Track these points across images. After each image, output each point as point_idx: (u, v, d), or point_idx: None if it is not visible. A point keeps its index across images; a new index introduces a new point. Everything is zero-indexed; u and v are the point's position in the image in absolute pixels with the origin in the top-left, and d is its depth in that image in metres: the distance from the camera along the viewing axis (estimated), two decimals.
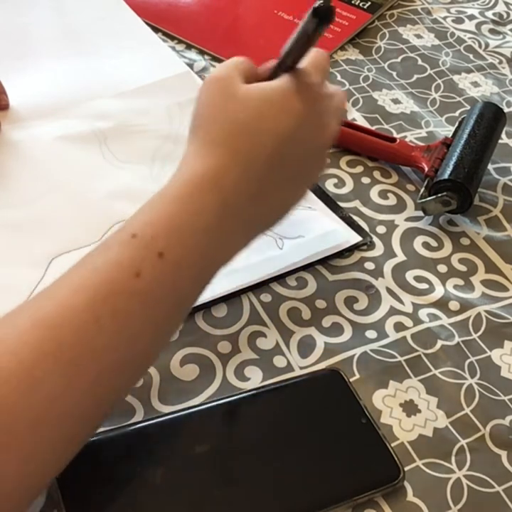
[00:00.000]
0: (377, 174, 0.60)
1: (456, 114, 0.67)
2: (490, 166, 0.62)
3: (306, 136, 0.41)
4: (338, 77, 0.69)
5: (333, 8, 0.36)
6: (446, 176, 0.55)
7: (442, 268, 0.53)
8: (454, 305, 0.51)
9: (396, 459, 0.41)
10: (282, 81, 0.41)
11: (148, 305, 0.35)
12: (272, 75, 0.42)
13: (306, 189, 0.45)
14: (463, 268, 0.54)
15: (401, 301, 0.51)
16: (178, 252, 0.36)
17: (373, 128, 0.64)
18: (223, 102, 0.40)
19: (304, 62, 0.42)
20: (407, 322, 0.49)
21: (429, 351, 0.48)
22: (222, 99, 0.40)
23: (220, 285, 0.49)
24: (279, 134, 0.39)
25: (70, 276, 0.35)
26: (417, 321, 0.50)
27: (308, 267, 0.52)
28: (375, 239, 0.55)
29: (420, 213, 0.57)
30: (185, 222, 0.37)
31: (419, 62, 0.73)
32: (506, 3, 0.84)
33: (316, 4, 0.36)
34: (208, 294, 0.48)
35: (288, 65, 0.41)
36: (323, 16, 0.37)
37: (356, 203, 0.57)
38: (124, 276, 0.34)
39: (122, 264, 0.35)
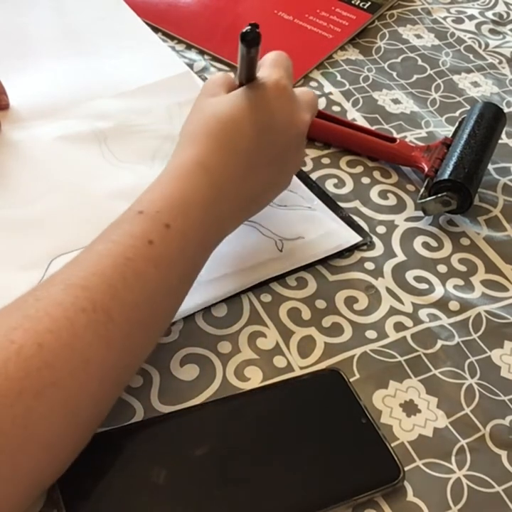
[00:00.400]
0: (377, 174, 0.60)
1: (456, 114, 0.67)
2: (490, 166, 0.62)
3: (280, 124, 0.46)
4: (338, 77, 0.69)
5: (257, 33, 0.42)
6: (446, 176, 0.55)
7: (442, 268, 0.53)
8: (454, 305, 0.51)
9: (396, 459, 0.41)
10: (249, 85, 0.46)
11: (162, 268, 0.39)
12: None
13: (288, 175, 0.50)
14: (463, 268, 0.54)
15: (401, 301, 0.51)
16: (182, 222, 0.41)
17: (373, 128, 0.64)
18: (204, 105, 0.47)
19: (265, 65, 0.48)
20: (407, 322, 0.49)
21: (429, 351, 0.48)
22: (204, 104, 0.47)
23: (220, 286, 0.49)
24: (255, 122, 0.45)
25: (91, 249, 0.39)
26: (417, 321, 0.50)
27: (308, 267, 0.52)
28: (375, 239, 0.55)
29: (420, 213, 0.57)
30: (185, 198, 0.42)
31: (419, 62, 0.73)
32: (506, 3, 0.84)
33: (243, 30, 0.42)
34: (208, 295, 0.48)
35: (244, 82, 0.46)
36: (249, 41, 0.42)
37: (356, 203, 0.57)
38: (139, 244, 0.39)
39: (135, 235, 0.39)
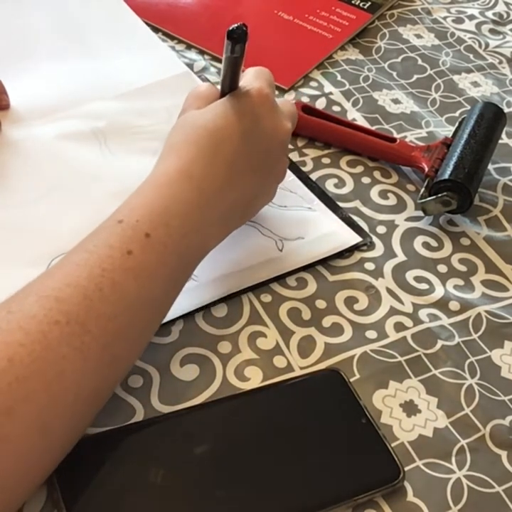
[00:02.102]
0: (377, 174, 0.60)
1: (456, 114, 0.67)
2: (490, 166, 0.62)
3: (264, 131, 0.46)
4: (338, 77, 0.69)
5: (244, 30, 0.42)
6: (446, 176, 0.55)
7: (442, 268, 0.53)
8: (454, 305, 0.51)
9: (396, 459, 0.41)
10: (231, 94, 0.46)
11: (142, 279, 0.38)
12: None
13: (272, 185, 0.50)
14: (463, 268, 0.54)
15: (401, 301, 0.51)
16: (162, 232, 0.40)
17: (373, 128, 0.64)
18: (187, 117, 0.46)
19: (247, 76, 0.48)
20: (407, 322, 0.49)
21: (429, 351, 0.48)
22: (187, 116, 0.47)
23: (220, 286, 0.49)
24: (239, 129, 0.45)
25: (67, 258, 0.38)
26: (417, 321, 0.50)
27: (308, 267, 0.52)
28: (375, 239, 0.55)
29: (420, 213, 0.57)
30: (166, 206, 0.41)
31: (419, 62, 0.73)
32: (506, 3, 0.84)
33: (230, 27, 0.42)
34: (208, 295, 0.48)
35: (227, 90, 0.47)
36: (235, 38, 0.42)
37: (356, 203, 0.57)
38: (117, 254, 0.38)
39: (113, 245, 0.38)
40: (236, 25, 0.42)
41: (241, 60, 0.44)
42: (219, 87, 0.48)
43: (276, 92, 0.66)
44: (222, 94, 0.47)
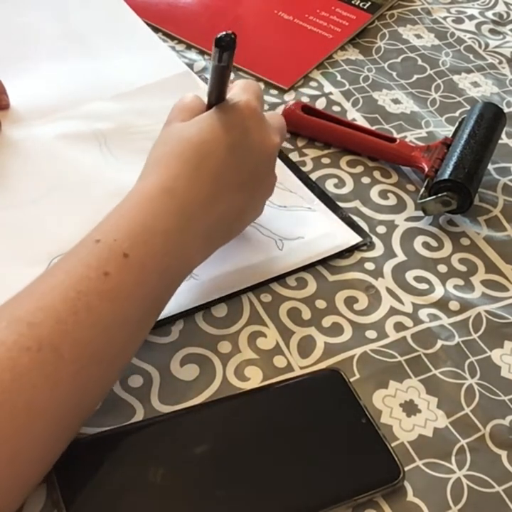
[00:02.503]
0: (377, 174, 0.60)
1: (456, 114, 0.67)
2: (490, 166, 0.62)
3: (252, 145, 0.45)
4: (338, 77, 0.69)
5: (233, 38, 0.41)
6: (446, 176, 0.55)
7: (442, 268, 0.53)
8: (454, 305, 0.51)
9: (396, 459, 0.41)
10: (218, 106, 0.45)
11: (119, 302, 0.37)
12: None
13: (259, 201, 0.49)
14: (463, 268, 0.54)
15: (401, 301, 0.51)
16: (141, 252, 0.38)
17: (373, 128, 0.64)
18: (172, 130, 0.45)
19: (234, 89, 0.47)
20: (407, 322, 0.49)
21: (429, 351, 0.48)
22: (171, 128, 0.45)
23: (220, 286, 0.49)
24: (225, 143, 0.43)
25: (42, 279, 0.37)
26: (417, 321, 0.50)
27: (308, 267, 0.52)
28: (375, 239, 0.55)
29: (420, 213, 0.57)
30: (146, 225, 0.39)
31: (419, 62, 0.73)
32: (506, 3, 0.84)
33: (218, 35, 0.41)
34: (208, 294, 0.48)
35: (214, 102, 0.45)
36: (223, 45, 0.41)
37: (356, 203, 0.57)
38: (93, 276, 0.36)
39: (90, 265, 0.37)
40: (224, 32, 0.41)
41: (229, 70, 0.43)
42: (205, 99, 0.46)
43: (274, 97, 0.66)
44: (209, 106, 0.46)
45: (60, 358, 0.34)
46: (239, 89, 0.46)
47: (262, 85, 0.67)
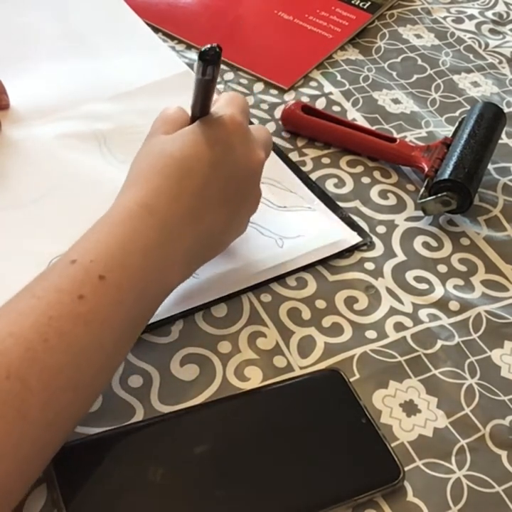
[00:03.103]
0: (377, 174, 0.60)
1: (456, 114, 0.67)
2: (490, 166, 0.62)
3: (236, 161, 0.43)
4: (338, 77, 0.69)
5: (217, 51, 0.40)
6: (446, 176, 0.55)
7: (442, 268, 0.53)
8: (454, 305, 0.51)
9: (396, 459, 0.41)
10: (202, 120, 0.44)
11: (94, 326, 0.35)
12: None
13: (244, 217, 0.47)
14: (463, 268, 0.54)
15: (401, 301, 0.51)
16: (118, 273, 0.37)
17: (373, 128, 0.64)
18: (154, 143, 0.44)
19: (219, 102, 0.46)
20: (407, 322, 0.49)
21: (429, 351, 0.48)
22: (153, 141, 0.44)
23: (220, 285, 0.49)
24: (209, 158, 0.42)
25: (12, 304, 0.36)
26: (417, 321, 0.50)
27: (308, 267, 0.52)
28: (375, 239, 0.55)
29: (420, 213, 0.57)
30: (123, 244, 0.38)
31: (419, 62, 0.73)
32: (506, 3, 0.84)
33: (203, 48, 0.40)
34: (208, 295, 0.48)
35: (198, 115, 0.44)
36: (208, 59, 0.40)
37: (356, 203, 0.57)
38: (67, 299, 0.35)
39: (63, 288, 0.35)
40: (209, 45, 0.40)
41: (213, 84, 0.42)
42: (189, 111, 0.45)
43: (274, 97, 0.66)
44: (193, 119, 0.44)
45: (28, 389, 0.32)
46: (224, 103, 0.45)
47: (262, 85, 0.67)
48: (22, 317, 0.34)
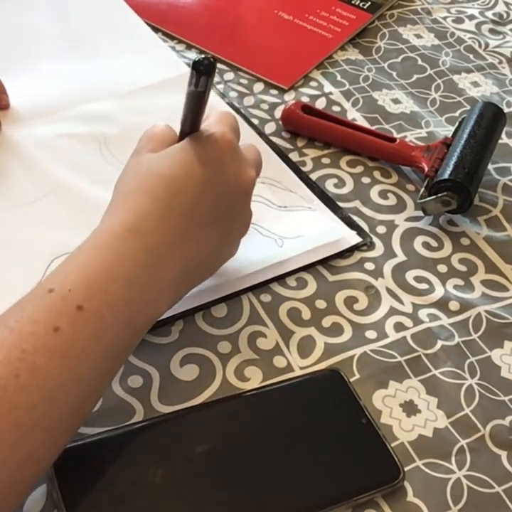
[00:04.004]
0: (377, 174, 0.60)
1: (456, 114, 0.67)
2: (490, 166, 0.62)
3: (226, 180, 0.42)
4: (338, 77, 0.69)
5: (212, 62, 0.38)
6: (446, 176, 0.55)
7: (442, 268, 0.53)
8: (454, 305, 0.51)
9: (396, 459, 0.41)
10: (191, 137, 0.42)
11: (70, 359, 0.34)
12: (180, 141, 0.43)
13: (234, 239, 0.45)
14: (463, 268, 0.54)
15: (401, 301, 0.51)
16: (98, 302, 0.35)
17: (373, 128, 0.64)
18: (141, 161, 0.42)
19: (209, 119, 0.44)
20: (407, 322, 0.49)
21: (429, 351, 0.48)
22: (140, 159, 0.42)
23: (220, 286, 0.49)
24: (198, 177, 0.40)
25: None
26: (417, 321, 0.50)
27: (308, 268, 0.52)
28: (375, 239, 0.55)
29: (420, 213, 0.57)
30: (104, 271, 0.36)
31: (419, 62, 0.73)
32: (506, 3, 0.84)
33: (196, 58, 0.38)
34: (208, 294, 0.48)
35: (187, 131, 0.42)
36: (201, 70, 0.38)
37: (356, 203, 0.57)
38: (41, 332, 0.33)
39: (38, 320, 0.34)
40: (203, 56, 0.38)
41: (206, 97, 0.40)
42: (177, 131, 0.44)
43: (274, 97, 0.66)
44: (182, 136, 0.43)
45: None
46: (214, 120, 0.43)
47: (262, 85, 0.67)
48: None
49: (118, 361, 0.38)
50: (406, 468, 0.41)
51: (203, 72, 0.38)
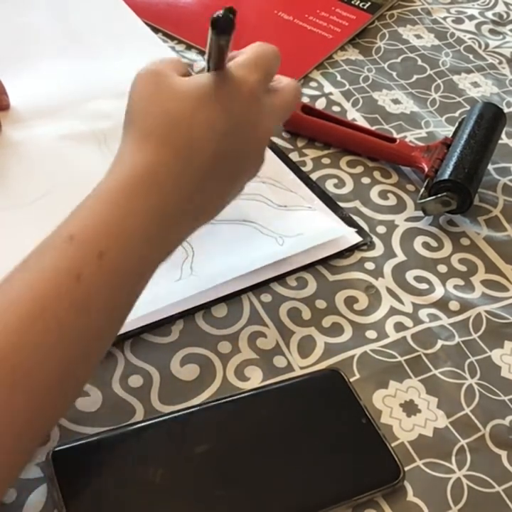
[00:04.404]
0: (377, 174, 0.60)
1: (456, 114, 0.67)
2: (490, 166, 0.62)
3: (243, 134, 0.41)
4: (338, 77, 0.69)
5: (230, 19, 0.35)
6: (446, 176, 0.55)
7: (442, 268, 0.53)
8: (454, 305, 0.51)
9: (396, 459, 0.41)
10: (217, 81, 0.40)
11: (90, 306, 0.34)
12: None
13: (243, 183, 0.44)
14: (463, 268, 0.54)
15: (401, 301, 0.51)
16: (116, 253, 0.35)
17: (373, 128, 0.64)
18: (157, 94, 0.40)
19: (245, 56, 0.42)
20: (407, 322, 0.49)
21: (429, 351, 0.48)
22: (156, 91, 0.40)
23: (220, 286, 0.49)
24: (216, 130, 0.39)
25: (6, 288, 0.34)
26: (417, 321, 0.50)
27: (308, 267, 0.52)
28: (375, 239, 0.55)
29: (420, 213, 0.57)
30: (122, 225, 0.36)
31: (419, 62, 0.73)
32: (506, 3, 0.84)
33: (214, 15, 0.35)
34: (208, 295, 0.48)
35: (213, 68, 0.40)
36: (220, 28, 0.36)
37: (356, 203, 0.57)
38: (63, 281, 0.33)
39: (60, 268, 0.34)
40: (222, 11, 0.35)
41: (227, 49, 0.39)
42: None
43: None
44: (208, 69, 0.41)
45: (13, 385, 0.31)
46: (248, 61, 0.41)
47: None
48: (11, 304, 0.33)
49: (128, 309, 0.38)
50: (406, 468, 0.41)
51: (222, 31, 0.36)
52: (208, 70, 0.40)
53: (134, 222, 0.36)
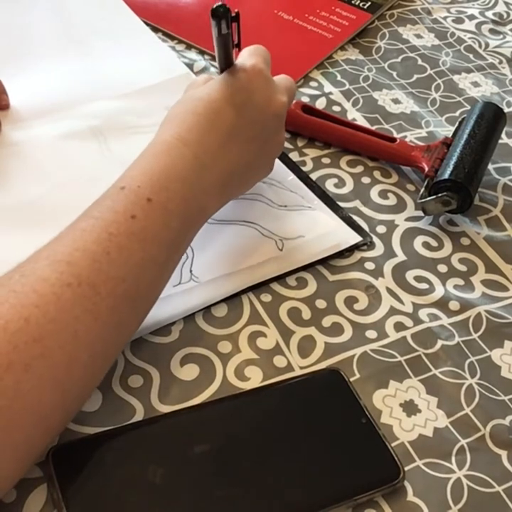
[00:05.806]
0: (377, 174, 0.60)
1: (456, 114, 0.67)
2: (490, 166, 0.62)
3: (258, 103, 0.48)
4: (338, 77, 0.69)
5: (225, 6, 0.43)
6: (446, 176, 0.55)
7: (442, 268, 0.53)
8: (454, 305, 0.51)
9: (396, 459, 0.41)
10: (227, 71, 0.49)
11: (146, 242, 0.40)
12: None
13: (269, 157, 0.52)
14: (463, 268, 0.54)
15: (401, 301, 0.51)
16: (163, 196, 0.41)
17: (373, 128, 0.64)
18: (184, 97, 0.50)
19: (243, 55, 0.51)
20: (407, 322, 0.49)
21: (429, 351, 0.48)
22: (186, 95, 0.50)
23: (220, 286, 0.49)
24: (234, 101, 0.47)
25: (75, 225, 0.40)
26: (417, 321, 0.50)
27: (308, 267, 0.52)
28: (375, 239, 0.55)
29: (420, 213, 0.57)
30: (165, 172, 0.43)
31: (419, 62, 0.73)
32: (506, 3, 0.84)
33: (214, 6, 0.43)
34: (208, 295, 0.48)
35: (224, 67, 0.49)
36: (219, 15, 0.44)
37: (356, 203, 0.57)
38: (121, 219, 0.39)
39: (118, 210, 0.40)
40: (219, 2, 0.43)
41: (229, 37, 0.46)
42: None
43: None
44: (221, 72, 0.49)
45: (97, 294, 0.36)
46: (247, 55, 0.50)
47: None
48: (86, 234, 0.38)
49: (181, 249, 0.44)
50: (406, 468, 0.41)
51: (221, 16, 0.44)
52: (221, 70, 0.49)
53: (174, 171, 0.43)
